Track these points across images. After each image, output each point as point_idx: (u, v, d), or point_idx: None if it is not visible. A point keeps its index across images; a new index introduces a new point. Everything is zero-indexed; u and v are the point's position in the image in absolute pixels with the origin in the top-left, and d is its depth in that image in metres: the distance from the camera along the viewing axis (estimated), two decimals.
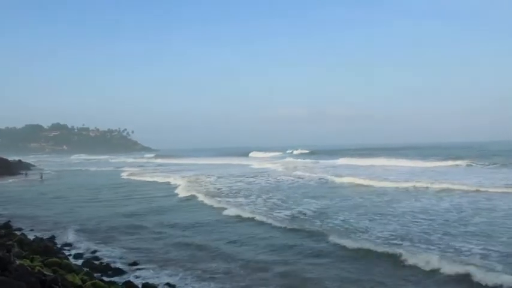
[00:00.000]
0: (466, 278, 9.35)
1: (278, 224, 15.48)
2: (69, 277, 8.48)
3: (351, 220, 16.03)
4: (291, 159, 70.80)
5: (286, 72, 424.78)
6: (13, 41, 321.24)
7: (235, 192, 25.15)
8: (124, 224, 16.95)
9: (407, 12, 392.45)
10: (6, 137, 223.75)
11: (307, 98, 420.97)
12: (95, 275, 9.89)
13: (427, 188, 24.83)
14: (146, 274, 10.52)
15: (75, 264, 10.73)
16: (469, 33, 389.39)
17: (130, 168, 55.57)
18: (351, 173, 36.13)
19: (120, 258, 12.02)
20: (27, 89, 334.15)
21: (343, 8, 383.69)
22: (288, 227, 15.07)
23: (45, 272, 8.07)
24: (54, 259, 10.23)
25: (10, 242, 11.69)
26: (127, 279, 9.90)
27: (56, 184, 37.24)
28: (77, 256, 12.22)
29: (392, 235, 13.40)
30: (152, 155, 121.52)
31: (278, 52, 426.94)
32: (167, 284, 9.69)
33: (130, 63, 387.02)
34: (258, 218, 16.73)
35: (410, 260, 10.58)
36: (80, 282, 8.44)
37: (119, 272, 10.67)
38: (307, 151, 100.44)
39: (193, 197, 23.99)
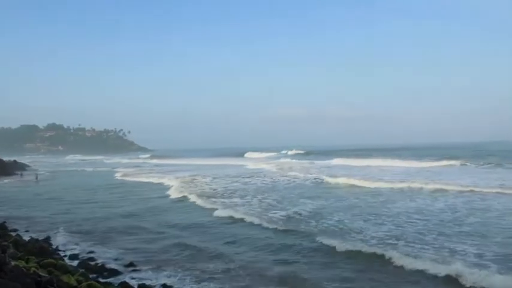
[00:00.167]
0: (454, 279, 9.38)
1: (271, 225, 15.46)
2: (65, 278, 8.48)
3: (346, 221, 16.07)
4: (285, 159, 70.78)
5: (286, 72, 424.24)
6: (9, 40, 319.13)
7: (230, 193, 25.14)
8: (117, 225, 16.95)
9: (407, 12, 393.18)
10: (1, 138, 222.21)
11: (306, 98, 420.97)
12: (91, 276, 9.90)
13: (421, 188, 24.87)
14: (142, 275, 10.53)
15: (71, 265, 10.73)
16: (468, 33, 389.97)
17: (125, 169, 55.33)
18: (345, 173, 36.22)
19: (116, 259, 12.02)
20: (23, 89, 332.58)
21: (342, 8, 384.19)
22: (281, 228, 15.07)
23: (40, 273, 8.08)
24: (50, 260, 10.22)
25: (5, 243, 11.65)
26: (123, 280, 9.92)
27: (51, 185, 37.13)
28: (73, 257, 12.21)
29: (387, 235, 13.45)
30: (148, 156, 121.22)
31: (277, 52, 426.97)
32: (164, 285, 9.69)
33: (128, 63, 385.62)
34: (250, 219, 16.70)
35: (399, 261, 10.64)
36: (75, 283, 8.45)
37: (115, 272, 10.67)
38: (302, 151, 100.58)
39: (185, 198, 23.92)
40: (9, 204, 24.12)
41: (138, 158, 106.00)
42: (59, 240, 14.47)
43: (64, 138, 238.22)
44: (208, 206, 20.57)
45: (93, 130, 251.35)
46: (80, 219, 18.50)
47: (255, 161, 65.02)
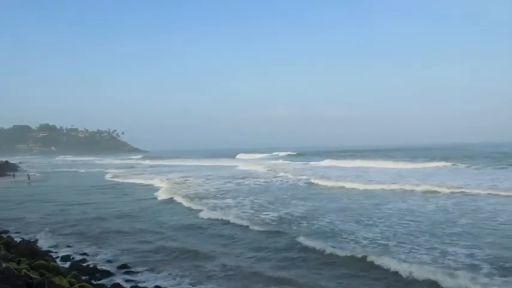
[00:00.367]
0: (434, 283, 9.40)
1: (261, 227, 15.44)
2: (57, 280, 8.45)
3: (337, 222, 16.11)
4: (276, 161, 70.95)
5: (283, 72, 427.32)
6: (2, 40, 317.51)
7: (220, 195, 25.20)
8: (108, 227, 16.90)
9: (405, 12, 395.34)
10: None
11: (303, 98, 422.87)
12: (83, 277, 9.86)
13: (412, 190, 24.95)
14: (134, 277, 10.52)
15: (63, 267, 10.68)
16: (464, 34, 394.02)
17: (115, 170, 55.01)
18: (334, 174, 36.43)
19: (108, 260, 12.01)
20: (16, 89, 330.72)
21: (338, 8, 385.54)
22: (269, 229, 15.12)
23: (31, 275, 8.06)
24: (41, 262, 10.17)
25: None
26: (115, 282, 9.92)
27: (43, 186, 36.92)
28: (64, 258, 12.17)
29: (378, 237, 13.52)
30: (140, 156, 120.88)
31: (276, 52, 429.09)
32: (157, 286, 9.70)
33: (123, 63, 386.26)
34: (239, 220, 16.65)
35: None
36: (67, 285, 8.42)
37: (107, 274, 10.66)
38: (294, 153, 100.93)
39: (173, 199, 23.82)
40: (1, 205, 23.97)
41: (130, 159, 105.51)
42: (49, 241, 14.40)
43: (57, 139, 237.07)
44: (196, 207, 20.51)
45: (86, 131, 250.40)
46: (70, 220, 18.49)
47: (245, 163, 64.91)
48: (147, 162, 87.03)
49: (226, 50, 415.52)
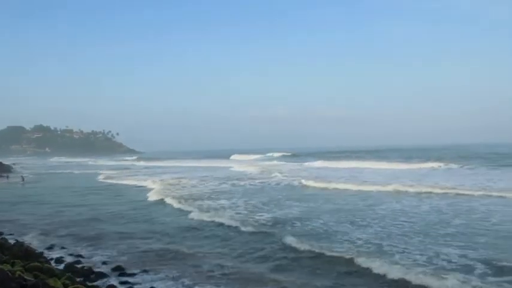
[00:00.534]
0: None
1: (251, 229, 15.44)
2: (51, 282, 8.45)
3: (330, 223, 16.15)
4: (270, 162, 71.09)
5: (283, 73, 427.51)
6: None
7: (216, 195, 25.21)
8: (101, 228, 16.87)
9: (403, 12, 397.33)
10: None
11: (302, 98, 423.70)
12: (77, 279, 9.85)
13: (406, 191, 25.01)
14: (129, 278, 10.51)
15: (57, 269, 10.66)
16: (459, 35, 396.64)
17: (109, 171, 54.73)
18: (326, 175, 36.63)
19: (103, 262, 11.98)
20: (10, 90, 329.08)
21: (340, 7, 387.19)
22: (257, 230, 15.15)
23: (26, 277, 8.04)
24: (36, 263, 10.14)
25: None
26: (110, 284, 9.91)
27: (37, 187, 36.77)
28: (59, 260, 12.14)
29: (372, 238, 13.57)
30: (134, 158, 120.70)
31: (275, 52, 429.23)
32: None
33: (120, 63, 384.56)
34: (231, 222, 16.64)
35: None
36: (61, 287, 8.42)
37: (102, 276, 10.65)
38: (289, 153, 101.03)
39: (164, 201, 23.69)
40: None
41: (124, 161, 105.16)
42: (44, 243, 14.38)
43: (51, 140, 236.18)
44: (187, 208, 20.47)
45: (81, 132, 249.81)
46: (64, 221, 18.48)
47: (240, 164, 64.85)
48: (142, 163, 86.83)
49: (226, 50, 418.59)
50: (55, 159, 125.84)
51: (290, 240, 13.18)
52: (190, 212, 19.43)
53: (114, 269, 11.17)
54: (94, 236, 15.50)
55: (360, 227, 15.38)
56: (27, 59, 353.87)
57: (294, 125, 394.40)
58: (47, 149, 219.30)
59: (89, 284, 9.65)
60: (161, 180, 36.53)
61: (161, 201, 23.76)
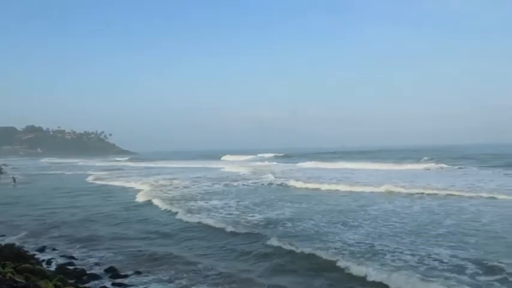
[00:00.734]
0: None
1: (241, 230, 15.35)
2: (42, 283, 8.43)
3: (322, 224, 16.21)
4: (262, 163, 71.12)
5: (276, 74, 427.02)
6: None
7: (205, 197, 25.19)
8: (90, 230, 16.81)
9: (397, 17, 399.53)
10: None
11: (299, 99, 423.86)
12: (69, 281, 9.82)
13: (398, 192, 25.09)
14: (122, 280, 10.49)
15: (49, 270, 10.64)
16: (451, 37, 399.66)
17: (99, 172, 54.28)
18: (318, 176, 36.77)
19: (96, 263, 11.96)
20: (1, 90, 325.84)
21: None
22: (246, 231, 15.12)
23: (16, 279, 8.03)
24: (27, 265, 10.11)
25: None
26: (102, 285, 9.89)
27: (28, 188, 36.52)
28: (50, 262, 12.09)
29: (363, 238, 13.63)
30: (126, 158, 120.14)
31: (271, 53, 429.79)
32: None
33: (114, 63, 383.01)
34: (221, 224, 16.54)
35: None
36: None
37: (94, 277, 10.61)
38: (281, 154, 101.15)
39: (154, 202, 23.49)
40: None
41: (115, 161, 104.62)
42: (35, 245, 14.31)
43: (43, 141, 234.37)
44: (178, 210, 20.28)
45: (73, 132, 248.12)
46: (56, 223, 18.38)
47: (231, 164, 64.71)
48: (133, 164, 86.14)
49: (224, 52, 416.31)
50: (46, 160, 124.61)
51: (281, 241, 13.13)
52: (181, 213, 19.29)
53: (107, 271, 11.15)
54: (86, 237, 15.44)
55: (352, 227, 15.44)
56: (19, 59, 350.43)
57: (284, 126, 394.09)
58: (38, 150, 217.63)
59: (81, 285, 9.64)
60: (154, 181, 36.39)
61: (152, 203, 23.54)
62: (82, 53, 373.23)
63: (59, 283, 8.98)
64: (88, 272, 10.97)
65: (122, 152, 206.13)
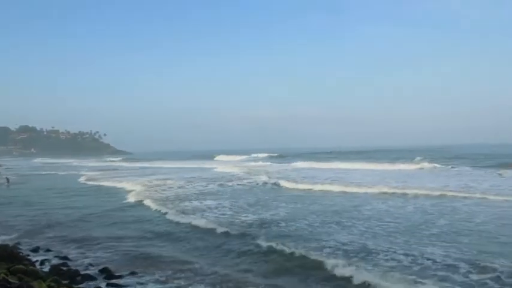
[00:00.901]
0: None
1: (235, 231, 15.23)
2: (36, 284, 8.41)
3: (316, 224, 16.27)
4: (256, 163, 71.10)
5: (276, 74, 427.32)
6: None
7: (200, 197, 25.19)
8: (84, 230, 16.74)
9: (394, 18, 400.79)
10: None
11: (295, 100, 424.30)
12: (63, 281, 9.80)
13: (392, 192, 25.08)
14: (116, 281, 10.48)
15: (42, 271, 10.61)
16: (451, 37, 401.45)
17: (92, 173, 53.95)
18: (312, 176, 36.85)
19: (90, 264, 11.92)
20: None
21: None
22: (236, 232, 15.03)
23: (10, 280, 8.01)
24: (20, 266, 10.08)
25: None
26: (97, 286, 9.88)
27: (22, 189, 36.31)
28: (44, 263, 12.06)
29: (357, 238, 13.69)
30: (120, 158, 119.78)
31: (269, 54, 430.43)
32: None
33: (115, 63, 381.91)
34: (218, 224, 16.49)
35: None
36: None
37: (88, 278, 10.59)
38: (275, 154, 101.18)
39: (147, 203, 23.35)
40: None
41: (109, 161, 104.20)
42: (29, 245, 14.25)
43: (37, 141, 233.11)
44: (165, 210, 20.29)
45: (68, 132, 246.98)
46: (50, 223, 18.34)
47: (225, 164, 64.62)
48: (127, 164, 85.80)
49: (224, 52, 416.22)
50: (39, 160, 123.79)
51: (276, 242, 13.08)
52: (174, 214, 19.23)
53: (101, 271, 11.13)
54: (80, 238, 15.39)
55: (345, 227, 15.51)
56: (11, 58, 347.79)
57: (284, 126, 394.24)
58: (32, 150, 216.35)
59: (75, 286, 9.62)
60: (147, 181, 36.32)
61: (144, 203, 23.41)
62: (82, 53, 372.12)
63: (52, 284, 8.96)
64: (82, 272, 10.94)
65: (116, 152, 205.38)
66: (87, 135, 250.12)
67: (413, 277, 9.65)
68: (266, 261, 11.79)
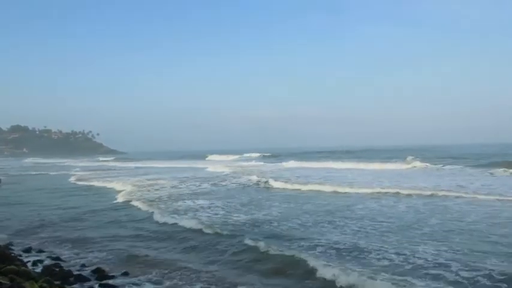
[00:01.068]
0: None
1: (226, 232, 15.21)
2: (27, 285, 8.38)
3: (308, 224, 16.34)
4: (248, 162, 71.16)
5: (276, 74, 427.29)
6: None
7: (192, 197, 25.16)
8: (76, 230, 16.68)
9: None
10: None
11: (292, 100, 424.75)
12: (56, 282, 9.77)
13: (385, 192, 25.13)
14: (109, 281, 10.45)
15: (34, 272, 10.56)
16: (451, 37, 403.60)
17: (83, 172, 53.70)
18: (304, 175, 36.95)
19: (83, 265, 11.89)
20: None
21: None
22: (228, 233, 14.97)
23: (1, 281, 7.97)
24: (12, 267, 10.01)
25: None
26: (89, 286, 9.85)
27: (13, 189, 36.01)
28: (36, 263, 12.00)
29: (349, 238, 13.76)
30: (112, 158, 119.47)
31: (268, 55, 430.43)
32: None
33: (115, 63, 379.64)
34: (208, 224, 16.47)
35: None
36: None
37: (81, 278, 10.56)
38: (268, 154, 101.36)
39: (130, 203, 23.35)
40: None
41: (101, 161, 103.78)
42: (21, 246, 14.17)
43: (29, 141, 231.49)
44: (156, 210, 20.14)
45: (60, 132, 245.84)
46: (42, 224, 18.23)
47: (218, 164, 64.53)
48: (119, 164, 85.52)
49: (224, 52, 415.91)
50: (30, 160, 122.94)
51: (268, 242, 13.09)
52: (166, 214, 19.10)
53: (94, 272, 11.10)
54: (72, 238, 15.33)
55: (338, 227, 15.58)
56: (16, 59, 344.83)
57: (284, 126, 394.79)
58: (24, 150, 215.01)
59: (68, 287, 9.60)
60: (138, 181, 36.23)
61: (137, 204, 23.17)
62: (82, 53, 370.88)
63: (45, 285, 8.93)
64: (75, 273, 10.90)
65: (109, 152, 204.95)
66: (80, 135, 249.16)
67: (403, 277, 9.69)
68: (259, 260, 11.78)
